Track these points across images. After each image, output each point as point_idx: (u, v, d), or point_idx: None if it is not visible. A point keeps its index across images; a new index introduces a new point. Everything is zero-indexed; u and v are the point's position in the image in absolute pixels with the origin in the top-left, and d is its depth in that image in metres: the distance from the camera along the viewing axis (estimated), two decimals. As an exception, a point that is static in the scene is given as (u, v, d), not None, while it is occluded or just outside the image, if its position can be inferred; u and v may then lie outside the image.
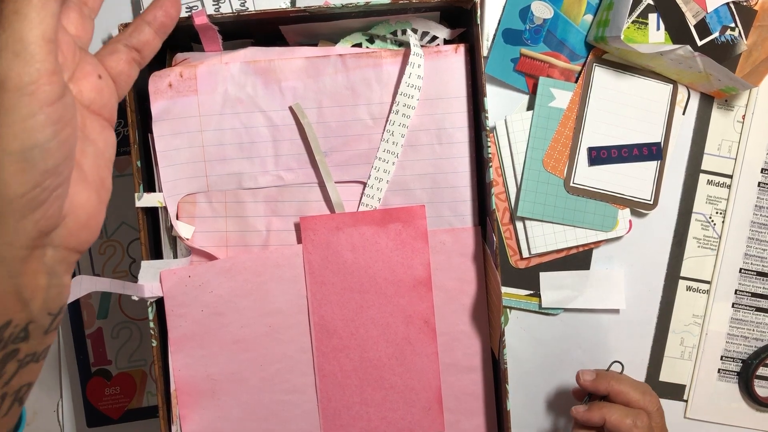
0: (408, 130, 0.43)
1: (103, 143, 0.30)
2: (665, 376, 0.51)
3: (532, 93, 0.50)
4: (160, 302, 0.43)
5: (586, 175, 0.49)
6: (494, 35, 0.50)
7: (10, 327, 0.26)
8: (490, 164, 0.41)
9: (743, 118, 0.51)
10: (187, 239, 0.43)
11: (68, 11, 0.30)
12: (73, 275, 0.49)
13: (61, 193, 0.26)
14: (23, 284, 0.25)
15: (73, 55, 0.29)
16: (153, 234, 0.44)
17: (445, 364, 0.45)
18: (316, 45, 0.45)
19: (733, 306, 0.51)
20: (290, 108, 0.43)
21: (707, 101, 0.51)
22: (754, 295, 0.51)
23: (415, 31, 0.44)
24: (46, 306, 0.27)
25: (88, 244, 0.29)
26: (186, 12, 0.48)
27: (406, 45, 0.45)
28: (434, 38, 0.45)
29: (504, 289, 0.51)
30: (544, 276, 0.51)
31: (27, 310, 0.26)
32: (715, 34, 0.50)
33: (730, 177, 0.51)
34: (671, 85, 0.50)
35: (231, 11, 0.42)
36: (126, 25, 0.34)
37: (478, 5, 0.41)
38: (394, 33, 0.45)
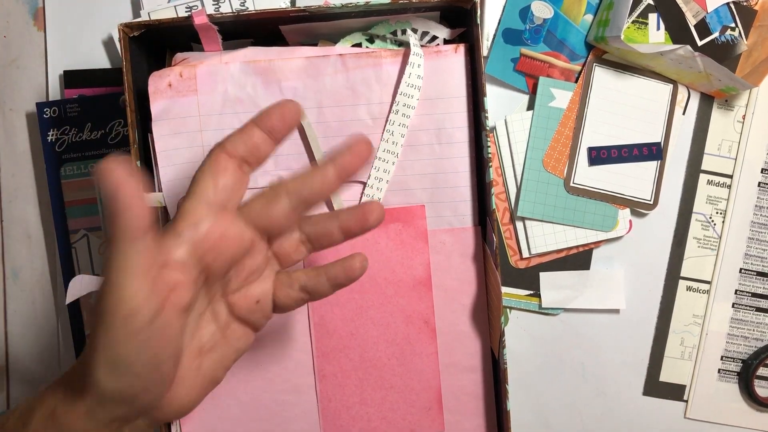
0: (408, 130, 0.43)
1: (238, 345, 0.34)
2: (665, 376, 0.51)
3: (532, 93, 0.50)
4: (159, 302, 0.43)
5: (586, 175, 0.49)
6: (494, 35, 0.50)
7: None
8: (490, 164, 0.41)
9: (743, 118, 0.51)
10: (187, 239, 0.43)
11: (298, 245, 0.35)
12: (73, 275, 0.49)
13: (156, 391, 0.30)
14: None
15: (250, 274, 0.33)
16: (153, 234, 0.44)
17: (444, 364, 0.45)
18: (316, 45, 0.45)
19: (733, 306, 0.51)
20: (290, 108, 0.43)
21: (707, 101, 0.51)
22: (754, 295, 0.51)
23: (415, 31, 0.44)
24: None
25: (170, 421, 0.32)
26: (186, 12, 0.48)
27: (406, 45, 0.45)
28: (434, 38, 0.45)
29: (504, 289, 0.51)
30: (544, 276, 0.51)
31: None
32: (715, 34, 0.50)
33: (730, 177, 0.51)
34: (671, 85, 0.50)
35: (231, 11, 0.42)
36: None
37: (478, 5, 0.41)
38: (394, 33, 0.45)
